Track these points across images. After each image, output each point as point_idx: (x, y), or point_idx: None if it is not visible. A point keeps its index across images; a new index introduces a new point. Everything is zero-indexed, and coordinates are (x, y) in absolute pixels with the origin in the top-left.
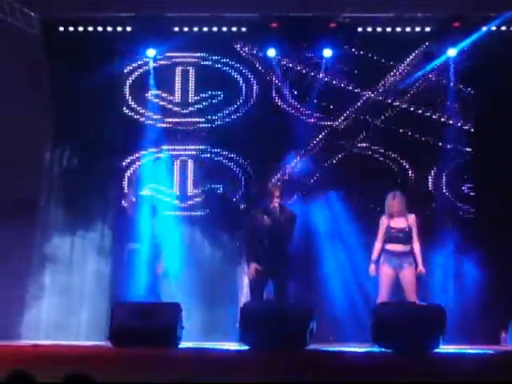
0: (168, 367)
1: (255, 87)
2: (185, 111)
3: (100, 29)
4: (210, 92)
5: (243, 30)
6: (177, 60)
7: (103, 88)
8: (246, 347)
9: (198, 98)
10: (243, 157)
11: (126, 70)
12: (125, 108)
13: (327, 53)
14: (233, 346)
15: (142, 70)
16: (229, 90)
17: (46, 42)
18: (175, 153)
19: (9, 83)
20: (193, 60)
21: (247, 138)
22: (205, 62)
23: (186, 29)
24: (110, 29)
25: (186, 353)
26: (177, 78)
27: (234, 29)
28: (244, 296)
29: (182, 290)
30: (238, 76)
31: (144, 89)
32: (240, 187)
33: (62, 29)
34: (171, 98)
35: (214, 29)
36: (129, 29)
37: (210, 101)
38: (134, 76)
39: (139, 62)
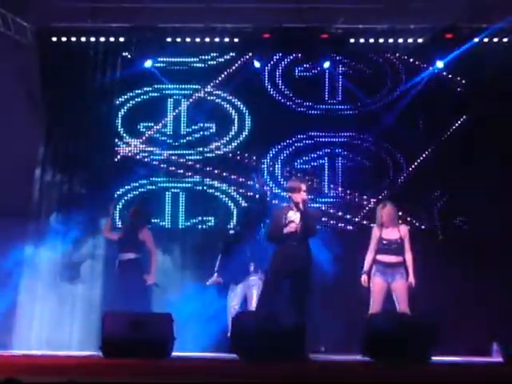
0: (159, 378)
1: (248, 118)
2: (177, 143)
3: (93, 39)
4: (202, 124)
5: (236, 40)
6: (169, 92)
7: (96, 98)
8: (237, 358)
9: (190, 129)
10: (236, 189)
11: (117, 102)
12: (117, 140)
13: (326, 64)
14: (224, 356)
15: (133, 102)
16: (221, 121)
17: (39, 52)
18: (166, 185)
19: (0, 93)
20: (185, 92)
21: (240, 170)
22: (197, 94)
23: (178, 39)
24: (102, 39)
25: (178, 363)
26: (169, 110)
27: (227, 39)
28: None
29: (173, 300)
30: (230, 107)
31: (136, 120)
32: (231, 219)
33: (55, 39)
34: (163, 129)
35: (207, 39)
36: (122, 39)
37: (202, 133)
38: (125, 107)
39: (131, 94)
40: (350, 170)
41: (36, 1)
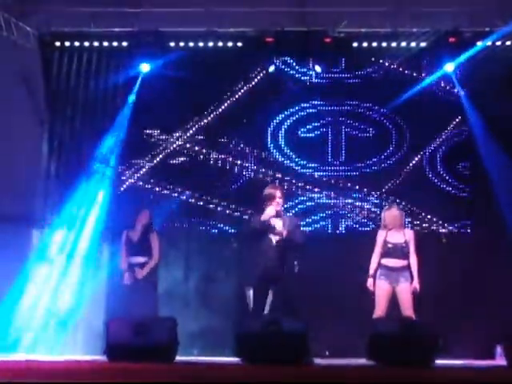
0: (163, 382)
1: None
2: None
3: (96, 44)
4: None
5: (239, 44)
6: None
7: (99, 103)
8: (241, 361)
9: None
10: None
11: None
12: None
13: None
14: (228, 359)
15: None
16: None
17: (42, 56)
18: None
19: (3, 97)
20: None
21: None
22: None
23: (181, 44)
24: (105, 44)
25: (182, 367)
26: None
27: (230, 44)
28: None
29: (178, 304)
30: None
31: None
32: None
33: (58, 44)
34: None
35: (210, 44)
36: (125, 44)
37: None
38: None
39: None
40: (353, 139)
41: (39, 5)
